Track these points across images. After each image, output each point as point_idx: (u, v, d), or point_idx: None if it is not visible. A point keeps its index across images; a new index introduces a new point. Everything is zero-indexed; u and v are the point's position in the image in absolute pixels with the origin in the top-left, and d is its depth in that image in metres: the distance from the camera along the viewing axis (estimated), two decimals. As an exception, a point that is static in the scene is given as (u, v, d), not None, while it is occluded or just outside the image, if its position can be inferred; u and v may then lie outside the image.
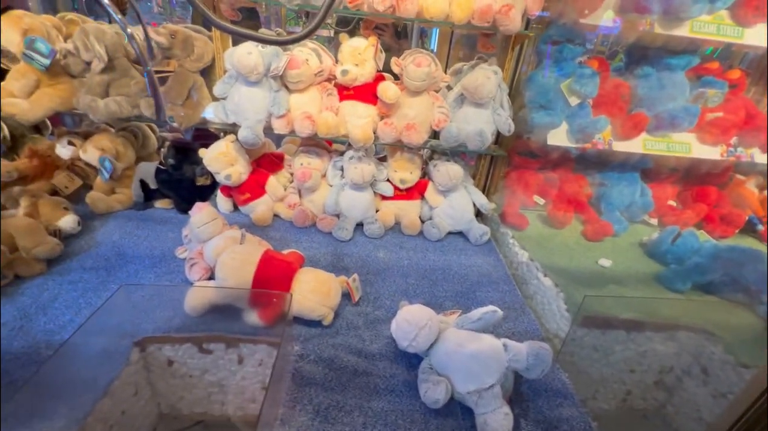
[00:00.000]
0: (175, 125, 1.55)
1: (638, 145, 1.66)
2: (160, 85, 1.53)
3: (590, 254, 1.58)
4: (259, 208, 1.64)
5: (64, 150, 1.62)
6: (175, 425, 1.20)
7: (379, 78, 1.60)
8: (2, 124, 1.55)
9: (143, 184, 1.62)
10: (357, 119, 1.56)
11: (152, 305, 1.08)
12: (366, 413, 0.91)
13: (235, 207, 1.71)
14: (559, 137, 1.64)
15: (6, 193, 1.42)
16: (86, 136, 1.65)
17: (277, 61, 1.45)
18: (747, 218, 1.85)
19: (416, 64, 1.48)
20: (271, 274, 1.12)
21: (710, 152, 1.70)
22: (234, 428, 1.20)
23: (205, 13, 0.61)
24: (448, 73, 1.71)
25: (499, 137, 1.74)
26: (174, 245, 1.41)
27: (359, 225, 1.67)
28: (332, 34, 2.31)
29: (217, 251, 1.15)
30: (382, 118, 1.61)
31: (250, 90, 1.51)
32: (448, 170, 1.62)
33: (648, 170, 1.89)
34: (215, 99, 1.61)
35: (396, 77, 1.61)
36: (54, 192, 1.56)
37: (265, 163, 1.71)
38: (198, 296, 1.08)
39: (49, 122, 1.78)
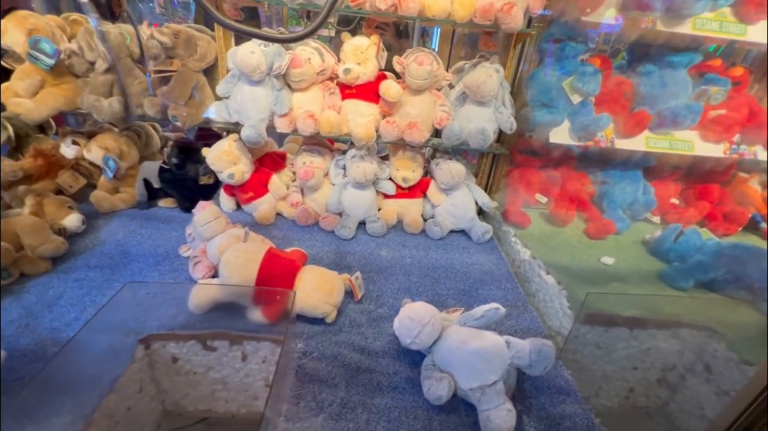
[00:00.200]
0: (178, 124, 1.56)
1: (641, 143, 1.66)
2: (163, 85, 1.55)
3: (593, 252, 1.58)
4: (262, 207, 1.65)
5: (68, 150, 1.63)
6: (180, 422, 1.20)
7: (381, 77, 1.60)
8: (7, 123, 1.56)
9: (147, 183, 1.63)
10: (359, 118, 1.57)
11: (156, 303, 1.09)
12: (369, 409, 0.92)
13: (238, 206, 1.72)
14: (561, 135, 1.64)
15: (11, 192, 1.43)
16: (90, 135, 1.66)
17: (280, 60, 1.46)
18: (750, 215, 1.84)
19: (418, 62, 1.48)
20: (275, 272, 1.13)
21: (713, 150, 1.70)
22: (238, 425, 1.21)
23: (208, 9, 0.62)
24: (450, 72, 1.71)
25: (501, 136, 1.74)
26: (177, 244, 1.41)
27: (362, 224, 1.67)
28: (334, 34, 2.32)
29: (220, 249, 1.16)
30: (384, 116, 1.61)
31: (253, 89, 1.51)
32: (450, 169, 1.63)
33: (650, 167, 1.88)
34: (218, 98, 1.62)
35: (398, 76, 1.61)
36: (58, 191, 1.57)
37: (268, 162, 1.71)
38: (202, 293, 1.09)
39: (53, 122, 1.79)
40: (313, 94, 1.58)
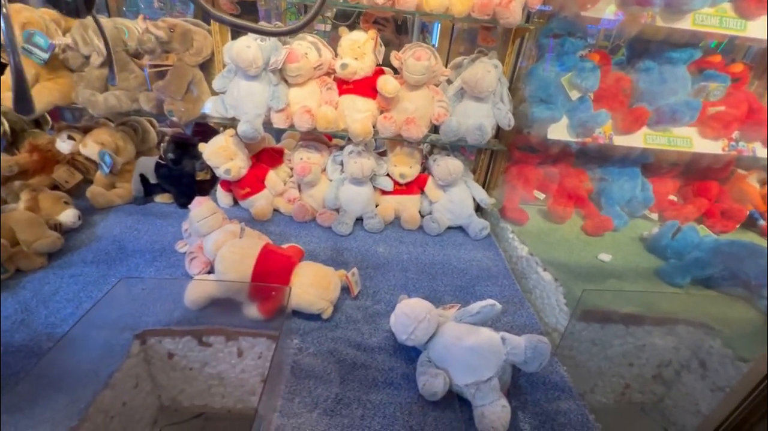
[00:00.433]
0: (174, 119, 1.55)
1: (639, 139, 1.66)
2: (159, 80, 1.54)
3: (590, 249, 1.58)
4: (259, 202, 1.64)
5: (64, 145, 1.62)
6: (176, 417, 1.21)
7: (378, 72, 1.59)
8: (2, 118, 1.55)
9: (143, 178, 1.63)
10: (356, 113, 1.56)
11: (152, 299, 1.09)
12: (365, 405, 0.92)
13: (235, 202, 1.72)
14: (559, 132, 1.63)
15: (7, 187, 1.42)
16: (86, 130, 1.65)
17: (276, 54, 1.45)
18: (748, 212, 1.84)
19: (416, 57, 1.47)
20: (271, 268, 1.12)
21: (712, 147, 1.69)
22: (234, 420, 1.21)
23: (203, 6, 0.61)
24: (449, 67, 1.70)
25: (499, 132, 1.73)
26: (174, 240, 1.41)
27: (359, 220, 1.67)
28: (330, 29, 2.30)
29: (216, 245, 1.15)
30: (381, 112, 1.60)
31: (250, 84, 1.50)
32: (447, 165, 1.62)
33: (649, 164, 1.88)
34: (214, 93, 1.61)
35: (396, 71, 1.60)
36: (54, 187, 1.57)
37: (265, 157, 1.71)
38: (198, 289, 1.09)
39: (48, 117, 1.78)
40: (310, 90, 1.57)
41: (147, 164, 1.62)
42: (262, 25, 1.59)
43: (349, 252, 1.49)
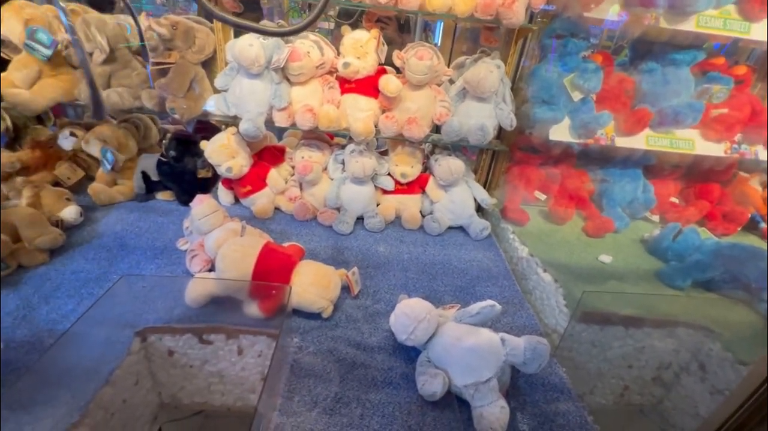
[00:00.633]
0: (176, 116, 1.55)
1: (641, 141, 1.65)
2: (161, 77, 1.54)
3: (591, 250, 1.58)
4: (260, 201, 1.64)
5: (66, 141, 1.63)
6: (176, 414, 1.21)
7: (380, 71, 1.59)
8: (5, 114, 1.55)
9: (145, 175, 1.63)
10: (358, 113, 1.56)
11: (153, 296, 1.09)
12: (364, 405, 0.92)
13: (236, 200, 1.72)
14: (561, 133, 1.63)
15: (9, 183, 1.43)
16: (88, 127, 1.65)
17: (279, 53, 1.45)
18: (749, 215, 1.84)
19: (418, 57, 1.47)
20: (272, 266, 1.13)
21: (714, 149, 1.69)
22: (233, 418, 1.22)
23: (205, 5, 0.61)
24: (451, 67, 1.69)
25: (500, 132, 1.73)
26: (175, 237, 1.41)
27: (360, 219, 1.67)
28: (333, 27, 2.30)
29: (218, 243, 1.16)
30: (383, 111, 1.60)
31: (252, 82, 1.50)
32: (449, 165, 1.62)
33: (650, 166, 1.87)
34: (216, 91, 1.61)
35: (398, 71, 1.60)
36: (56, 183, 1.57)
37: (267, 156, 1.71)
38: (199, 287, 1.09)
39: (51, 113, 1.78)
40: (312, 88, 1.57)
41: (149, 162, 1.63)
42: (265, 23, 1.59)
43: (349, 251, 1.49)
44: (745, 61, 1.84)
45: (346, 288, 1.24)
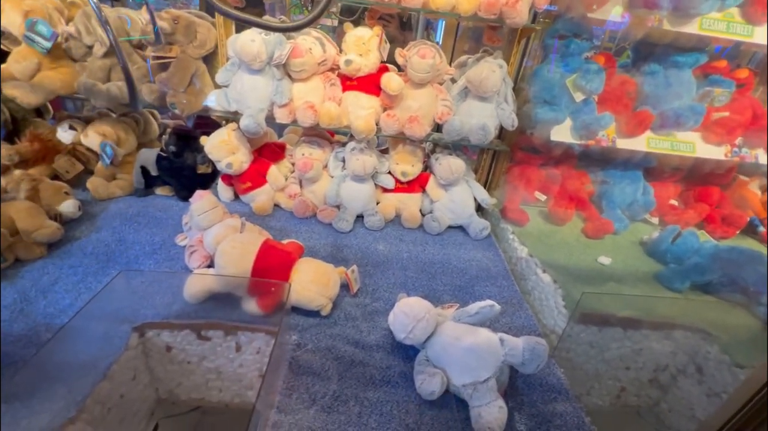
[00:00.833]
0: (177, 111, 1.55)
1: (642, 143, 1.65)
2: (162, 72, 1.53)
3: (590, 252, 1.58)
4: (260, 197, 1.64)
5: (65, 134, 1.62)
6: (173, 410, 1.21)
7: (382, 69, 1.58)
8: (3, 107, 1.54)
9: (144, 170, 1.62)
10: (360, 110, 1.55)
11: (151, 292, 1.09)
12: (362, 403, 0.92)
13: (236, 196, 1.71)
14: (562, 133, 1.63)
15: (7, 176, 1.42)
16: (87, 121, 1.64)
17: (281, 49, 1.44)
18: (748, 219, 1.84)
19: (421, 55, 1.47)
20: (271, 263, 1.12)
21: (714, 152, 1.69)
22: (231, 414, 1.22)
23: (208, -2, 0.60)
24: (453, 66, 1.69)
25: (502, 132, 1.73)
26: (174, 233, 1.41)
27: (359, 217, 1.67)
28: (336, 24, 2.28)
29: (217, 239, 1.15)
30: (385, 109, 1.60)
31: (253, 78, 1.50)
32: (450, 164, 1.62)
33: (651, 168, 1.87)
34: (217, 86, 1.60)
35: (400, 68, 1.59)
36: (55, 176, 1.56)
37: (267, 152, 1.70)
38: (197, 283, 1.09)
39: (50, 106, 1.77)
40: (314, 85, 1.57)
41: (148, 156, 1.62)
42: (267, 19, 1.58)
43: (349, 249, 1.49)
44: (747, 65, 1.84)
45: (345, 286, 1.24)
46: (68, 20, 1.53)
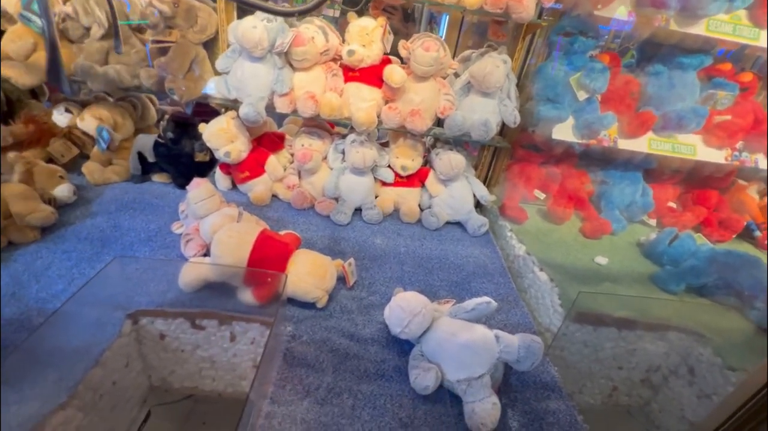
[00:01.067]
0: (175, 97, 1.52)
1: (643, 144, 1.65)
2: (161, 56, 1.50)
3: (587, 251, 1.58)
4: (258, 187, 1.62)
5: (61, 117, 1.59)
6: (166, 398, 1.21)
7: (385, 61, 1.56)
8: (-2, 87, 1.52)
9: (141, 156, 1.60)
10: (361, 102, 1.54)
11: (146, 279, 1.08)
12: (355, 395, 0.92)
13: (234, 185, 1.70)
14: (564, 132, 1.62)
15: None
16: (84, 104, 1.62)
17: (283, 37, 1.42)
18: (745, 223, 1.85)
19: (425, 48, 1.45)
20: (267, 254, 1.11)
21: (715, 156, 1.69)
22: (224, 404, 1.21)
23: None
24: (457, 60, 1.67)
25: (503, 129, 1.72)
26: (170, 220, 1.39)
27: (358, 210, 1.66)
28: (339, 14, 2.25)
29: (213, 228, 1.14)
30: (386, 102, 1.58)
31: (254, 66, 1.47)
32: (450, 159, 1.61)
33: (651, 170, 1.87)
34: (217, 73, 1.58)
35: (403, 61, 1.57)
36: (50, 160, 1.54)
37: (266, 142, 1.68)
38: (192, 272, 1.08)
39: (46, 88, 1.74)
40: (315, 75, 1.55)
41: (145, 142, 1.60)
42: (270, 4, 1.55)
43: (346, 242, 1.48)
44: (751, 68, 1.83)
45: (341, 279, 1.23)
46: (66, 0, 1.50)
